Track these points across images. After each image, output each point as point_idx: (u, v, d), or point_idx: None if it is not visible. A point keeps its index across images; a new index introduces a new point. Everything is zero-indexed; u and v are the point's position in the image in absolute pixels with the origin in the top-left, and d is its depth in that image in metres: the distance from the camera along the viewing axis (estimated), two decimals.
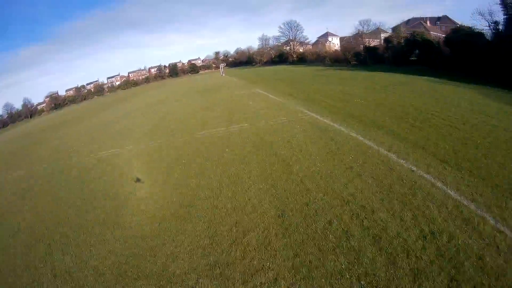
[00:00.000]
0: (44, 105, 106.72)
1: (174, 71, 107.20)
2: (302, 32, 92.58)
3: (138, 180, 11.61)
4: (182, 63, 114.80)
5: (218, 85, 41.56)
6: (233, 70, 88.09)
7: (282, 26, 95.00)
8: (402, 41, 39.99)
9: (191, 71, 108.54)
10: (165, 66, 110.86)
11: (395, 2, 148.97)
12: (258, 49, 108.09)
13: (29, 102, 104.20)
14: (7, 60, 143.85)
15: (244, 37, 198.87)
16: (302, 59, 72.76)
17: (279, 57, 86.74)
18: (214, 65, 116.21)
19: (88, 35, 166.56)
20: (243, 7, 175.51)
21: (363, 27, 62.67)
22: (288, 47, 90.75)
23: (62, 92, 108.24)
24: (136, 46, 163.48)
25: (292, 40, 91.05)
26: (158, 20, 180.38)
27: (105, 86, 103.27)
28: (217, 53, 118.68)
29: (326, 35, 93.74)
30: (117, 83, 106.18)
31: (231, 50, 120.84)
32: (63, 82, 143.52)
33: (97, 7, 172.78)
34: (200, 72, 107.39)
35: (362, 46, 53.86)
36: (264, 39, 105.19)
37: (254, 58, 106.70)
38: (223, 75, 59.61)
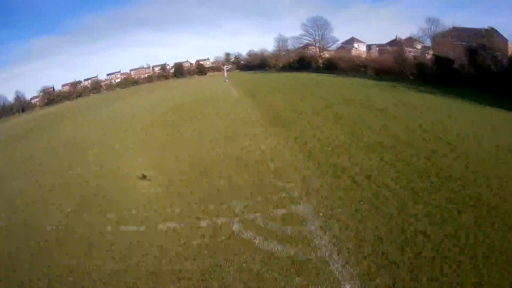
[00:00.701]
0: (37, 99, 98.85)
1: (179, 71, 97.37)
2: (331, 32, 76.47)
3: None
4: (190, 63, 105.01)
5: (208, 100, 31.59)
6: (243, 74, 77.22)
7: (306, 23, 78.54)
8: None
9: (198, 72, 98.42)
10: (169, 65, 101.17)
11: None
12: (273, 51, 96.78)
13: (22, 95, 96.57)
14: (14, 51, 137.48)
15: (258, 41, 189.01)
16: (329, 66, 59.85)
17: (300, 62, 72.89)
18: (223, 67, 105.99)
19: (98, 30, 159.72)
20: (258, 11, 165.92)
21: (430, 28, 47.09)
22: (312, 50, 77.49)
23: (58, 87, 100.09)
24: (145, 44, 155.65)
25: (318, 41, 76.44)
26: (170, 19, 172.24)
27: (103, 83, 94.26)
28: (227, 55, 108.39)
29: (351, 41, 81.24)
30: (117, 80, 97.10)
31: (244, 52, 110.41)
32: (66, 77, 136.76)
33: (110, 3, 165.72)
34: (208, 74, 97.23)
35: (429, 55, 42.11)
36: (280, 40, 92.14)
37: (269, 62, 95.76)
38: (226, 80, 46.85)
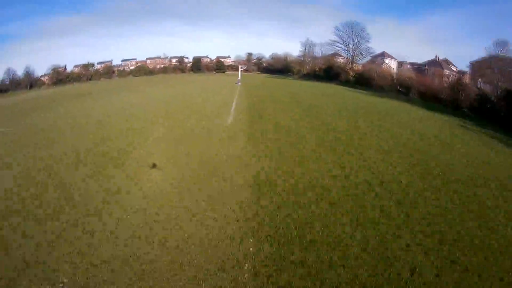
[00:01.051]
0: (47, 77, 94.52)
1: (197, 66, 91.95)
2: (367, 42, 67.36)
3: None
4: (209, 59, 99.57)
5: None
6: (262, 77, 71.16)
7: (340, 28, 69.45)
8: None
9: (217, 69, 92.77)
10: (187, 58, 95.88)
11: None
12: (298, 56, 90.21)
13: (32, 71, 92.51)
14: (34, 26, 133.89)
15: (283, 45, 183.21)
16: (361, 81, 52.68)
17: (327, 71, 66.54)
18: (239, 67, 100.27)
19: (124, 14, 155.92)
20: (286, 15, 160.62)
21: (499, 50, 40.47)
22: (340, 60, 69.41)
23: (71, 67, 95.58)
24: (168, 34, 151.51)
25: (352, 50, 67.22)
26: (198, 13, 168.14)
27: (116, 69, 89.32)
28: (249, 55, 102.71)
29: (382, 56, 73.47)
30: (131, 67, 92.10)
31: (267, 54, 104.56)
32: (81, 58, 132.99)
33: None
34: (226, 72, 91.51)
35: (467, 81, 35.61)
36: (308, 45, 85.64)
37: (292, 67, 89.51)
38: (239, 84, 37.71)
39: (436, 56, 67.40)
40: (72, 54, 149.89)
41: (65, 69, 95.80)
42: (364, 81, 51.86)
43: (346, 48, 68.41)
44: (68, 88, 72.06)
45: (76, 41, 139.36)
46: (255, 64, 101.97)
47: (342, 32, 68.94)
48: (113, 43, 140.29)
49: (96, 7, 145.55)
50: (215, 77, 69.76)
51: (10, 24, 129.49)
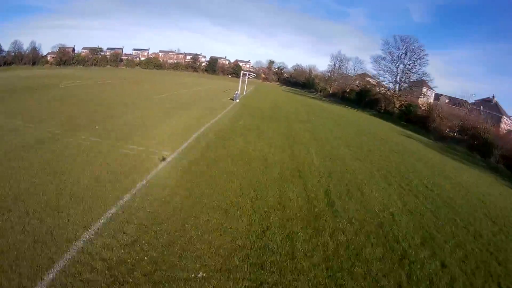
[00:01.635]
0: (52, 56, 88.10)
1: (212, 66, 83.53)
2: (424, 65, 47.10)
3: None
4: (227, 61, 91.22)
5: None
6: (281, 90, 61.34)
7: (390, 41, 49.83)
8: None
9: (233, 73, 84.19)
10: (203, 56, 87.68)
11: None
12: (326, 72, 79.50)
13: (38, 47, 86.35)
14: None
15: (308, 59, 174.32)
16: (410, 117, 39.06)
17: (361, 95, 55.51)
18: (263, 75, 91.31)
19: (159, 5, 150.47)
20: (315, 31, 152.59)
21: None
22: (388, 85, 52.09)
23: (78, 49, 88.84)
24: (193, 31, 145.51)
25: (401, 72, 48.04)
26: (229, 16, 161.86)
27: (124, 58, 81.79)
28: (271, 62, 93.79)
29: (420, 84, 52.68)
30: (142, 58, 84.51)
31: (290, 65, 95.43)
32: (97, 41, 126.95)
33: None
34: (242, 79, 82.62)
35: None
36: (339, 60, 74.38)
37: (316, 83, 79.65)
38: (237, 100, 22.02)
39: (492, 97, 54.02)
40: (94, 37, 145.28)
41: (73, 50, 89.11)
42: (416, 118, 37.94)
43: (395, 70, 48.63)
44: (66, 71, 64.30)
45: (104, 24, 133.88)
46: (275, 73, 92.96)
47: (393, 47, 48.78)
48: (128, 30, 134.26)
49: None
50: (225, 82, 59.51)
51: None
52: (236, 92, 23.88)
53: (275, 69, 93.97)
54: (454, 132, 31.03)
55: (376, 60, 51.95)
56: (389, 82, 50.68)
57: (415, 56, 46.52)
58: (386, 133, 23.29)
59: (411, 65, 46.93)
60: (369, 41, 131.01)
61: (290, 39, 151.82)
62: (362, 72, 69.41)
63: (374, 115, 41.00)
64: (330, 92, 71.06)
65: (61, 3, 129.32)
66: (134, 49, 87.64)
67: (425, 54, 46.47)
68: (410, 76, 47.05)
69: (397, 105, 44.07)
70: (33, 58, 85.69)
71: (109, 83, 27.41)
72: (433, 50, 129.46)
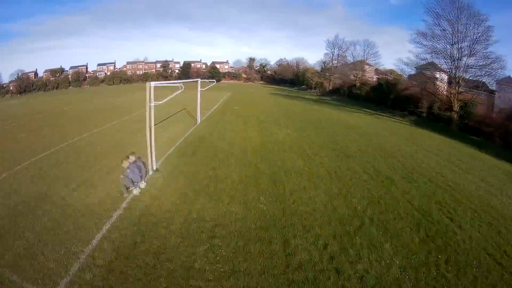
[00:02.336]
0: (13, 84, 79.78)
1: (185, 72, 75.30)
2: (488, 41, 27.17)
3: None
4: (203, 65, 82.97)
5: None
6: (264, 92, 53.06)
7: (438, 8, 30.52)
8: None
9: (211, 77, 76.34)
10: (176, 62, 79.39)
11: None
12: (322, 62, 66.85)
13: None
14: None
15: (293, 55, 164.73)
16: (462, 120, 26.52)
17: (380, 91, 39.85)
18: (244, 75, 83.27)
19: (127, 16, 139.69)
20: (295, 23, 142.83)
21: None
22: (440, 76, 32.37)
23: (41, 73, 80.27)
24: (166, 36, 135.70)
25: (461, 52, 27.87)
26: (204, 16, 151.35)
27: (88, 75, 73.38)
28: (251, 60, 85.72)
29: (432, 66, 41.83)
30: (108, 73, 76.11)
31: (272, 61, 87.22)
32: (59, 61, 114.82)
33: None
34: (222, 81, 74.55)
35: None
36: (337, 46, 61.88)
37: (309, 79, 67.36)
38: (136, 193, 8.15)
39: None
40: (60, 56, 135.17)
41: (36, 74, 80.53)
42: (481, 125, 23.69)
43: (450, 48, 28.99)
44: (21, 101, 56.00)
45: (75, 43, 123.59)
46: (258, 71, 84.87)
47: (443, 10, 29.50)
48: (94, 43, 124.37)
49: (82, 5, 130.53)
50: (190, 92, 49.94)
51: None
52: (197, 117, 15.76)
53: (256, 67, 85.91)
54: None
55: (422, 35, 30.97)
56: (438, 72, 31.82)
57: (477, 26, 27.23)
58: (434, 142, 15.12)
59: (475, 40, 27.34)
60: (351, 27, 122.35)
61: (271, 35, 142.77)
62: (376, 60, 56.01)
63: (416, 124, 26.61)
64: (330, 88, 58.71)
65: (15, 25, 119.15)
66: (99, 64, 79.07)
67: (488, 25, 27.25)
68: (478, 60, 27.77)
69: (456, 107, 27.50)
70: None
71: None
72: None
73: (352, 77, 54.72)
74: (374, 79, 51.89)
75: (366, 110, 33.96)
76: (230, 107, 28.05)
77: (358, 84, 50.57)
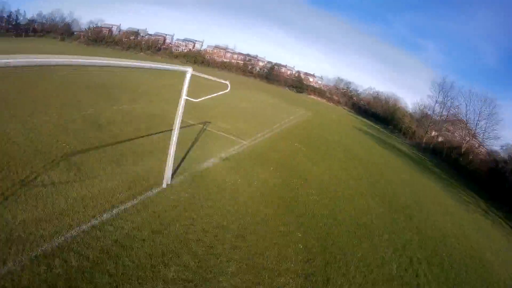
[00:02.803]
0: (83, 34, 75.17)
1: (269, 74, 65.15)
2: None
3: None
4: (290, 71, 72.36)
5: None
6: (346, 126, 40.39)
7: None
8: None
9: (295, 86, 65.37)
10: (257, 59, 69.49)
11: None
12: (421, 106, 55.63)
13: (77, 20, 74.32)
14: None
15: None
16: None
17: (498, 174, 28.56)
18: (328, 95, 71.38)
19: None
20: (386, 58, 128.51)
21: None
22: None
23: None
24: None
25: None
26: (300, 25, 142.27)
27: (165, 46, 65.70)
28: (339, 80, 74.04)
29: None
30: (186, 50, 68.22)
31: (360, 89, 74.59)
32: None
33: None
34: (304, 94, 63.25)
35: None
36: (444, 91, 49.33)
37: (402, 121, 55.25)
38: None
39: None
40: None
41: (110, 31, 75.02)
42: None
43: None
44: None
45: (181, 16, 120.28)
46: (344, 95, 72.68)
47: None
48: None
49: None
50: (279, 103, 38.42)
51: None
52: None
53: (343, 89, 73.89)
54: None
55: None
56: None
57: None
58: None
59: None
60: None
61: (361, 62, 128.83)
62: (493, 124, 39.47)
63: None
64: (424, 141, 45.93)
65: None
66: (185, 39, 71.65)
67: None
68: None
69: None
70: (63, 32, 72.82)
71: None
72: None
73: (457, 138, 41.81)
74: (484, 150, 37.65)
75: (476, 198, 20.58)
76: (289, 138, 15.93)
77: (463, 151, 36.32)
